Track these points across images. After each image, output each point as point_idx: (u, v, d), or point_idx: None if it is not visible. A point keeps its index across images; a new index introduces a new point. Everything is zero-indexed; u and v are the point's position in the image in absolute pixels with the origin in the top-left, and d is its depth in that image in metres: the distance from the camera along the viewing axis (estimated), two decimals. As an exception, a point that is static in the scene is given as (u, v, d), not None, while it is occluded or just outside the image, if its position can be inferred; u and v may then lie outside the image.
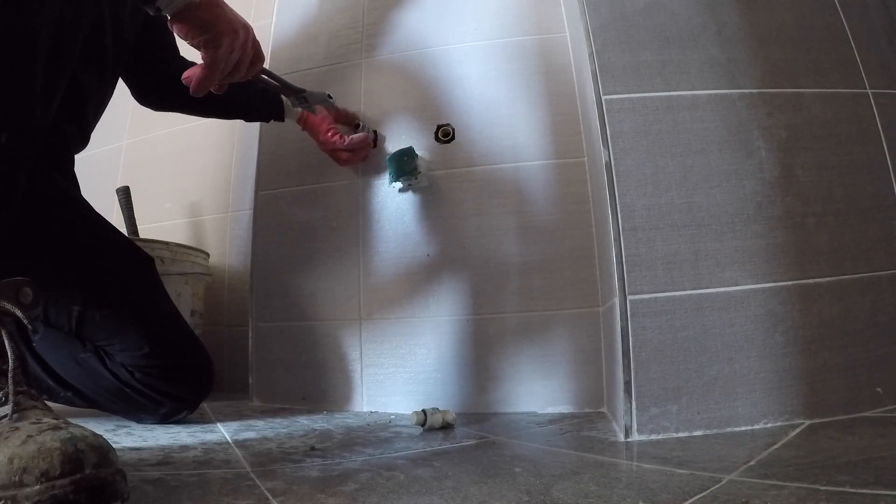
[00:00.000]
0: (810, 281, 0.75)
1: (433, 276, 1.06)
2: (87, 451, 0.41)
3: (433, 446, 0.73)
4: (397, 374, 1.05)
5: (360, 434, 0.82)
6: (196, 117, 1.33)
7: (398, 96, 1.14)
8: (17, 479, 0.39)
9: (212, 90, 0.78)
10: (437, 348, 1.03)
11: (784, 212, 0.76)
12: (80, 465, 0.41)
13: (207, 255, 1.37)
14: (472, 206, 1.06)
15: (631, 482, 0.53)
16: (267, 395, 1.12)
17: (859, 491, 0.44)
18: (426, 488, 0.53)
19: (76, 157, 0.96)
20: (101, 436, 0.45)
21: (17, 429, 0.44)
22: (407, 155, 1.06)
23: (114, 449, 0.45)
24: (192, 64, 1.04)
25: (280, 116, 1.11)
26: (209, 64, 0.73)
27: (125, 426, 0.86)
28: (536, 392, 0.99)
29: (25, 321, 0.52)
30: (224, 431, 0.83)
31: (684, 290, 0.74)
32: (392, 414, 1.00)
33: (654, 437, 0.70)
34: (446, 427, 0.85)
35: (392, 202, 1.10)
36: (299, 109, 1.06)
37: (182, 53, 1.04)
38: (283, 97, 1.07)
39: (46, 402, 0.53)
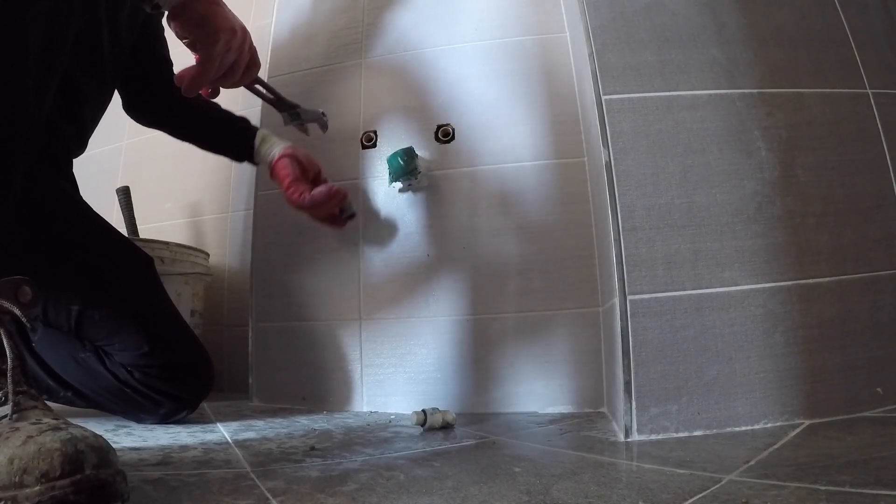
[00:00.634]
0: (810, 281, 0.75)
1: (433, 276, 1.05)
2: (88, 452, 0.41)
3: (433, 446, 0.73)
4: (397, 374, 1.05)
5: (360, 434, 0.82)
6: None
7: (398, 96, 1.14)
8: (17, 479, 0.39)
9: (203, 93, 0.77)
10: (437, 348, 1.03)
11: (784, 212, 0.76)
12: (80, 465, 0.41)
13: (207, 255, 1.37)
14: (471, 206, 1.06)
15: (631, 482, 0.53)
16: (267, 395, 1.12)
17: (859, 491, 0.44)
18: (426, 488, 0.53)
19: (76, 158, 0.96)
20: (101, 436, 0.45)
21: (17, 429, 0.44)
22: (407, 155, 1.06)
23: (114, 449, 0.45)
24: None
25: (251, 158, 1.06)
26: (204, 60, 0.72)
27: (125, 426, 0.86)
28: (536, 392, 0.99)
29: (24, 320, 0.52)
30: (224, 431, 0.83)
31: (684, 290, 0.74)
32: (392, 414, 1.00)
33: (654, 437, 0.70)
34: (446, 427, 0.85)
35: (392, 202, 1.10)
36: (273, 154, 1.01)
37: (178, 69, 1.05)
38: (262, 136, 1.04)
39: (46, 401, 0.53)
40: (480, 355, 1.02)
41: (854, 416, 0.71)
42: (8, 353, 0.50)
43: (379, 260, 1.09)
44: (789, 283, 0.74)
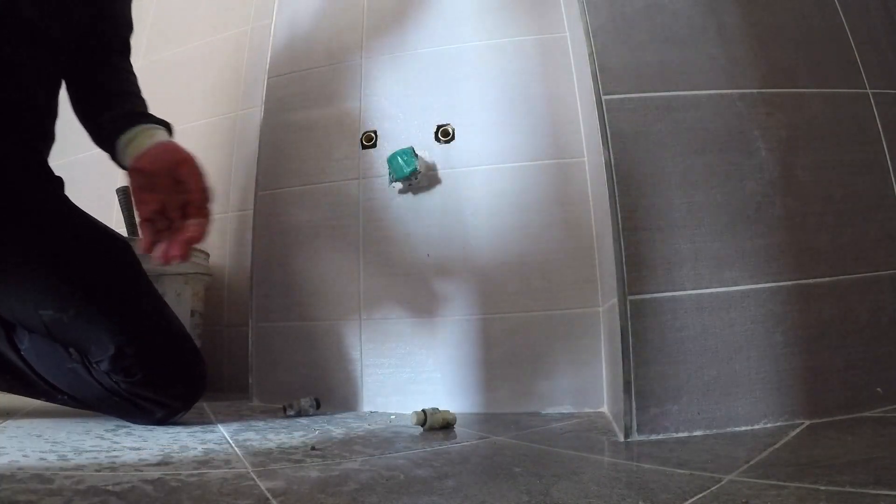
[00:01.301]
0: (810, 281, 0.75)
1: (433, 276, 1.06)
2: None
3: (433, 446, 0.73)
4: (397, 374, 1.05)
5: (360, 434, 0.82)
6: (196, 120, 1.33)
7: (398, 96, 1.14)
8: None
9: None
10: (437, 348, 1.03)
11: (784, 212, 0.76)
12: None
13: (207, 255, 1.37)
14: (471, 207, 1.06)
15: (631, 482, 0.53)
16: (267, 395, 1.12)
17: (859, 491, 0.44)
18: (426, 488, 0.53)
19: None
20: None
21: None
22: (406, 155, 1.06)
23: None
24: (131, 75, 0.97)
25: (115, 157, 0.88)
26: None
27: (125, 426, 0.86)
28: (536, 392, 0.99)
29: None
30: (224, 431, 0.83)
31: (684, 290, 0.74)
32: (392, 414, 1.00)
33: (654, 437, 0.70)
34: (446, 427, 0.85)
35: (392, 202, 1.10)
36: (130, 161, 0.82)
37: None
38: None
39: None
40: (480, 355, 1.02)
41: (854, 416, 0.71)
42: None
43: (379, 260, 1.09)
44: (789, 283, 0.74)
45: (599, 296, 0.98)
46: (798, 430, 0.68)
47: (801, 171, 0.78)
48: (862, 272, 0.76)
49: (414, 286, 1.06)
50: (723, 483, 0.50)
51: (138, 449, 0.69)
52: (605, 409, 0.95)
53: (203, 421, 0.92)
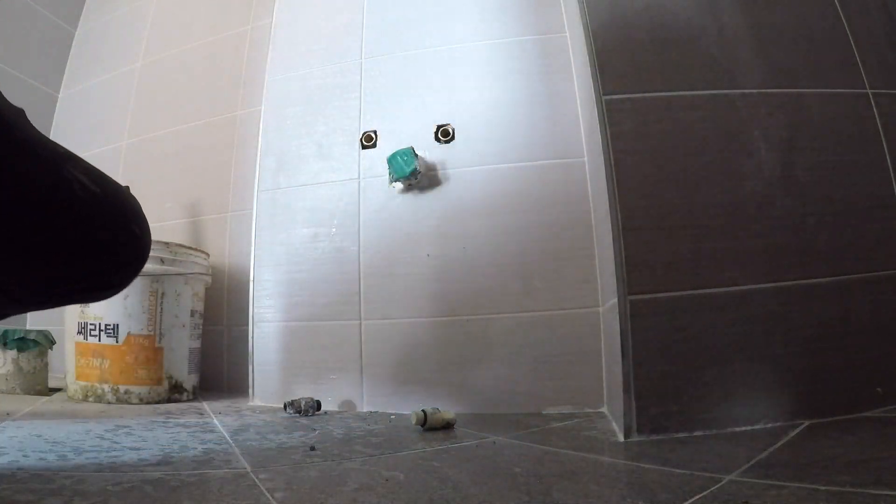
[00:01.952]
0: (810, 281, 0.74)
1: (433, 276, 1.05)
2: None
3: (433, 446, 0.73)
4: (398, 374, 1.05)
5: (360, 434, 0.82)
6: (196, 120, 1.32)
7: (398, 96, 1.14)
8: None
9: None
10: (437, 348, 1.03)
11: (784, 212, 0.76)
12: None
13: (207, 255, 1.37)
14: (471, 206, 1.06)
15: (631, 482, 0.53)
16: (267, 395, 1.12)
17: (859, 491, 0.44)
18: (426, 488, 0.53)
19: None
20: None
21: None
22: (407, 155, 1.06)
23: None
24: None
25: None
26: None
27: (125, 426, 0.86)
28: (536, 392, 0.98)
29: None
30: (224, 431, 0.83)
31: (684, 290, 0.74)
32: (392, 414, 1.00)
33: (654, 437, 0.70)
34: (446, 427, 0.85)
35: (392, 202, 1.10)
36: None
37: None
38: None
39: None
40: (481, 355, 1.02)
41: (854, 416, 0.71)
42: None
43: (379, 260, 1.09)
44: (789, 283, 0.74)
45: (599, 296, 0.98)
46: (798, 430, 0.67)
47: (801, 171, 0.78)
48: (862, 272, 0.76)
49: (414, 286, 1.06)
50: (723, 483, 0.50)
51: (138, 449, 0.69)
52: (605, 409, 0.95)
53: (203, 421, 0.92)
